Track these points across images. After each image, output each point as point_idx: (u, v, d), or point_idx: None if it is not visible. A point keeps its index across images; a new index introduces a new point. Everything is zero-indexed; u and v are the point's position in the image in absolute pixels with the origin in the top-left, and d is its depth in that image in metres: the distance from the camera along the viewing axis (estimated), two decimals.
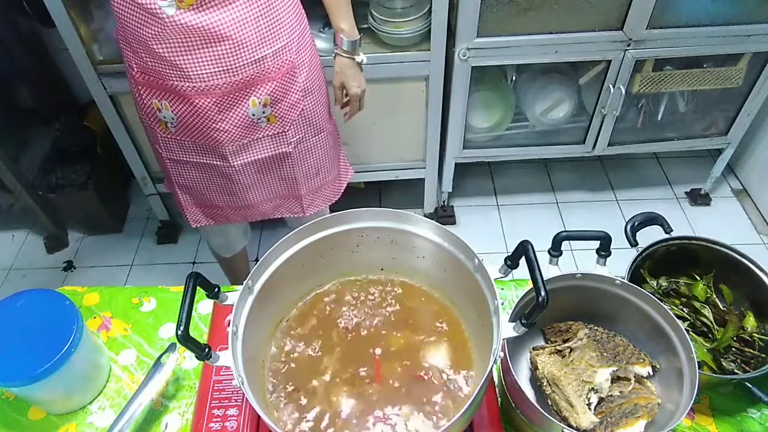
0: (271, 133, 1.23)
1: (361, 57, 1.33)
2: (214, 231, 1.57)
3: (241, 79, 1.10)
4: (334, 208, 1.44)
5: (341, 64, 1.33)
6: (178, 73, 1.07)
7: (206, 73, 1.07)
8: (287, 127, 1.23)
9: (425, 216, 1.02)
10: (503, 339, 0.70)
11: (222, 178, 1.28)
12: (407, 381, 0.82)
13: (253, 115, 1.17)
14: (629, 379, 0.86)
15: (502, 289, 1.09)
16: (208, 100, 1.11)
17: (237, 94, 1.12)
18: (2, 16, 1.96)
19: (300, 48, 1.18)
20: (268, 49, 1.10)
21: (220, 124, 1.15)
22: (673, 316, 0.83)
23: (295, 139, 1.27)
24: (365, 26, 1.86)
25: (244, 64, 1.08)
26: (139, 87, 1.15)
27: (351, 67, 1.33)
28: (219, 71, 1.08)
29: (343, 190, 1.53)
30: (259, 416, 0.81)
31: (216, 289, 0.78)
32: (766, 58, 1.92)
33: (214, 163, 1.24)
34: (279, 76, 1.15)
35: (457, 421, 0.67)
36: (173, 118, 1.16)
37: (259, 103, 1.15)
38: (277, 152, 1.27)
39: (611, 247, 0.90)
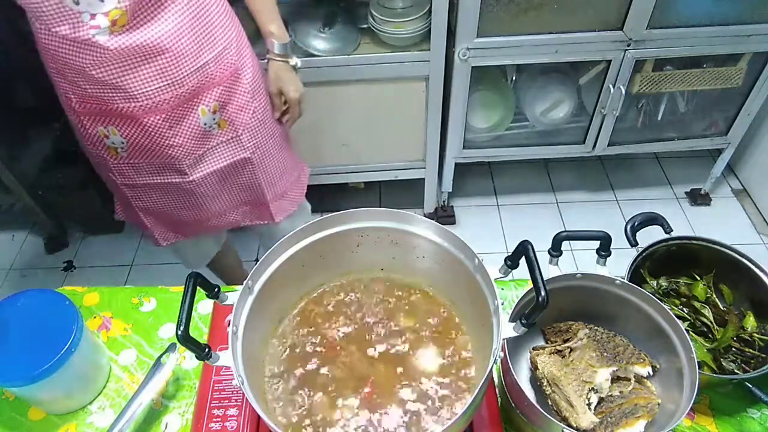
0: (224, 139, 1.21)
1: (295, 60, 1.28)
2: (185, 245, 1.54)
3: (187, 90, 1.09)
4: (334, 208, 1.43)
5: (276, 69, 1.27)
6: (123, 94, 1.05)
7: (151, 90, 1.05)
8: (240, 131, 1.22)
9: (425, 216, 1.02)
10: (503, 339, 0.70)
11: (183, 193, 1.27)
12: (407, 381, 0.82)
13: (205, 124, 1.16)
14: (629, 379, 0.86)
15: (502, 289, 1.09)
16: (158, 117, 1.09)
17: (185, 106, 1.11)
18: (2, 15, 1.96)
19: (240, 49, 1.18)
20: (208, 54, 1.09)
21: (172, 139, 1.13)
22: (673, 316, 0.83)
23: (251, 143, 1.26)
24: (365, 26, 1.86)
25: (187, 74, 1.07)
26: (81, 117, 1.12)
27: (286, 70, 1.28)
28: (164, 86, 1.06)
29: (306, 189, 1.53)
30: (259, 416, 0.81)
31: (216, 289, 0.78)
32: (766, 58, 1.92)
33: (173, 180, 1.23)
34: (224, 80, 1.14)
35: (457, 421, 0.67)
36: (123, 143, 1.14)
37: (209, 110, 1.14)
38: (236, 159, 1.25)
39: (611, 247, 0.89)
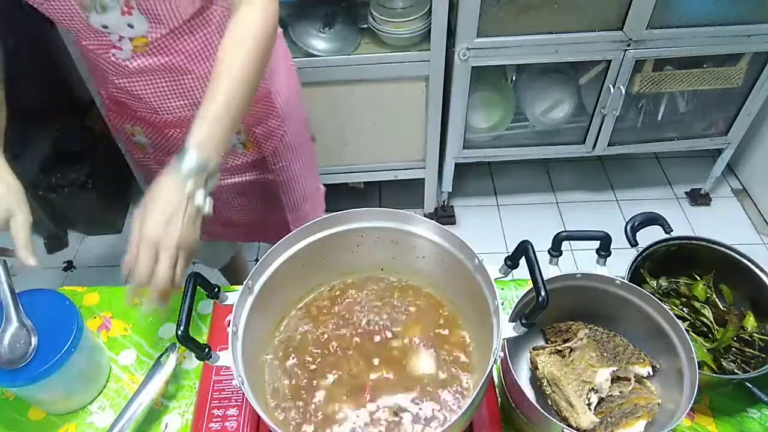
0: (249, 160, 1.17)
1: (201, 198, 0.80)
2: (204, 245, 1.52)
3: None
4: (334, 208, 1.43)
5: (162, 184, 0.79)
6: (145, 105, 1.04)
7: (174, 107, 1.03)
8: (267, 153, 1.17)
9: (425, 216, 1.02)
10: (503, 339, 0.70)
11: None
12: (407, 381, 0.82)
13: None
14: (629, 379, 0.86)
15: (502, 289, 1.09)
16: (179, 130, 1.07)
17: None
18: (2, 15, 1.96)
19: (274, 72, 1.11)
20: None
21: None
22: (673, 316, 0.83)
23: (278, 166, 1.20)
24: (365, 26, 1.86)
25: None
26: (110, 113, 1.12)
27: (174, 195, 0.78)
28: (186, 104, 1.03)
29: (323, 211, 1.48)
30: (259, 416, 0.81)
31: (216, 289, 0.78)
32: (766, 58, 1.92)
33: None
34: (254, 103, 1.08)
35: (457, 421, 0.67)
36: (148, 142, 1.13)
37: None
38: (260, 180, 1.21)
39: (611, 247, 0.89)
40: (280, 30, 1.11)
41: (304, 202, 1.32)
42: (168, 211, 0.76)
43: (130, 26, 0.90)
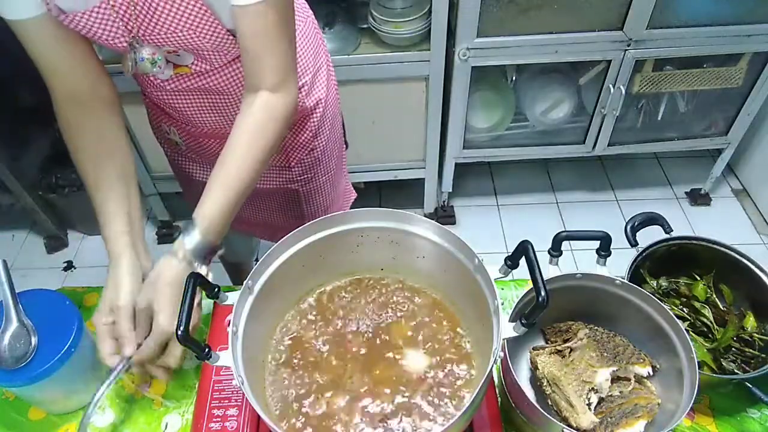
0: (276, 164, 1.15)
1: (205, 270, 0.84)
2: (234, 234, 1.50)
3: None
4: None
5: (165, 270, 0.81)
6: (182, 117, 1.04)
7: (209, 121, 1.03)
8: (293, 163, 1.14)
9: (425, 216, 1.02)
10: (503, 339, 0.70)
11: None
12: (407, 381, 0.82)
13: None
14: (629, 379, 0.86)
15: (502, 289, 1.09)
16: (213, 141, 1.08)
17: None
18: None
19: (312, 89, 1.08)
20: None
21: None
22: (673, 316, 0.83)
23: (302, 178, 1.17)
24: (365, 26, 1.86)
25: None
26: (149, 109, 1.13)
27: (178, 282, 0.79)
28: (221, 119, 1.03)
29: None
30: (259, 416, 0.81)
31: (216, 289, 0.78)
32: (766, 58, 1.93)
33: None
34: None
35: (457, 421, 0.67)
36: (182, 143, 1.14)
37: None
38: (282, 186, 1.19)
39: (611, 247, 0.89)
40: (323, 36, 1.10)
41: (326, 210, 1.31)
42: (179, 298, 0.74)
43: (177, 55, 0.91)
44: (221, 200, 0.83)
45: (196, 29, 0.84)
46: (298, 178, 1.17)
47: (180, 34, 0.85)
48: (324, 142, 1.15)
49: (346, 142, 1.34)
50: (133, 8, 0.83)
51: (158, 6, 0.82)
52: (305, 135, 1.11)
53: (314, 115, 1.10)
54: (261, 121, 0.86)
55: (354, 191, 1.48)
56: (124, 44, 0.88)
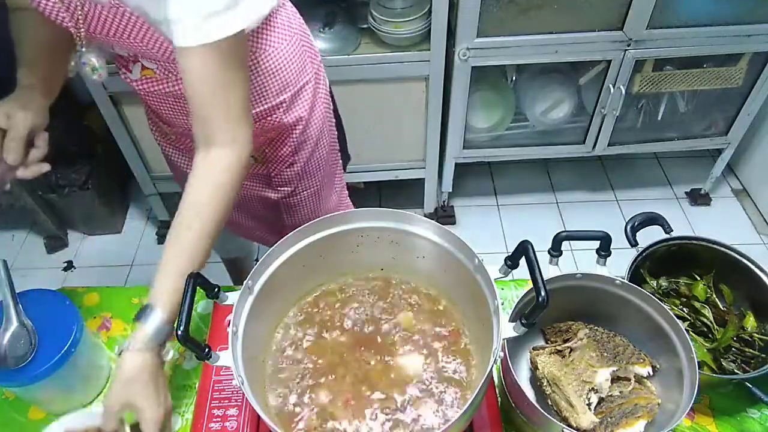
0: (258, 172, 1.13)
1: (171, 353, 0.85)
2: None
3: None
4: None
5: (132, 367, 0.76)
6: (160, 117, 1.04)
7: (182, 123, 1.02)
8: (273, 173, 1.12)
9: (425, 216, 1.02)
10: (503, 339, 0.70)
11: None
12: (407, 381, 0.82)
13: None
14: (629, 379, 0.86)
15: (502, 289, 1.09)
16: (190, 141, 1.06)
17: None
18: (2, 15, 1.96)
19: (292, 107, 1.04)
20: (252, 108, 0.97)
21: None
22: (673, 316, 0.83)
23: (283, 189, 1.15)
24: (365, 26, 1.86)
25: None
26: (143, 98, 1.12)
27: (149, 372, 0.77)
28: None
29: None
30: (259, 416, 0.81)
31: (216, 289, 0.78)
32: (766, 58, 1.92)
33: None
34: (265, 132, 1.04)
35: (457, 421, 0.67)
36: (170, 132, 1.13)
37: None
38: (264, 195, 1.17)
39: (611, 247, 0.89)
40: (317, 51, 1.07)
41: (307, 221, 1.29)
42: (157, 389, 0.77)
43: (142, 60, 0.91)
44: (173, 271, 0.78)
45: (145, 42, 0.84)
46: (279, 188, 1.15)
47: (128, 41, 0.84)
48: (306, 158, 1.12)
49: (348, 155, 1.31)
50: (80, 9, 0.81)
51: (103, 14, 0.81)
52: (285, 150, 1.09)
53: (294, 132, 1.07)
54: (219, 182, 0.82)
55: (352, 206, 1.42)
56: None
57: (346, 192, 1.37)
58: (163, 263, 0.80)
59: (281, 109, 1.02)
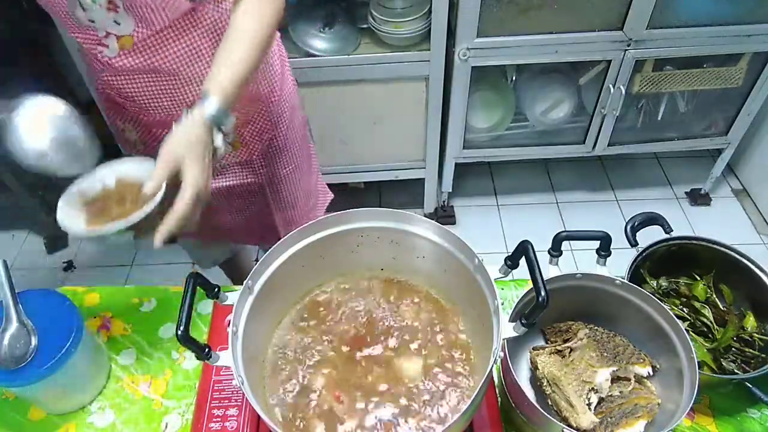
0: (238, 161, 1.16)
1: (220, 142, 0.86)
2: (195, 245, 1.50)
3: None
4: (334, 208, 1.42)
5: (188, 132, 0.82)
6: (134, 104, 1.03)
7: (162, 106, 1.02)
8: (254, 156, 1.15)
9: (425, 216, 1.02)
10: (503, 339, 0.70)
11: None
12: (407, 381, 0.82)
13: None
14: (629, 379, 0.86)
15: (502, 289, 1.09)
16: (167, 131, 1.06)
17: None
18: (2, 15, 1.96)
19: (267, 77, 1.10)
20: None
21: None
22: (673, 316, 0.83)
23: (265, 170, 1.19)
24: (365, 26, 1.86)
25: (198, 98, 0.89)
26: (104, 104, 1.11)
27: (201, 143, 0.82)
28: (174, 104, 1.02)
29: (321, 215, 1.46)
30: (259, 416, 0.81)
31: (216, 289, 0.78)
32: (766, 58, 1.92)
33: None
34: (240, 106, 1.05)
35: (457, 421, 0.67)
36: (138, 140, 1.13)
37: None
38: (246, 182, 1.20)
39: (611, 247, 0.90)
40: (277, 33, 1.10)
41: (293, 205, 1.31)
42: (204, 162, 0.81)
43: (117, 23, 0.90)
44: (230, 71, 0.85)
45: None
46: (261, 170, 1.19)
47: None
48: (284, 132, 1.17)
49: (312, 138, 1.35)
50: None
51: None
52: (262, 122, 1.13)
53: (270, 104, 1.12)
54: (259, 6, 0.89)
55: (330, 192, 1.49)
56: None
57: (321, 177, 1.42)
58: (215, 63, 0.85)
59: (258, 78, 1.06)
